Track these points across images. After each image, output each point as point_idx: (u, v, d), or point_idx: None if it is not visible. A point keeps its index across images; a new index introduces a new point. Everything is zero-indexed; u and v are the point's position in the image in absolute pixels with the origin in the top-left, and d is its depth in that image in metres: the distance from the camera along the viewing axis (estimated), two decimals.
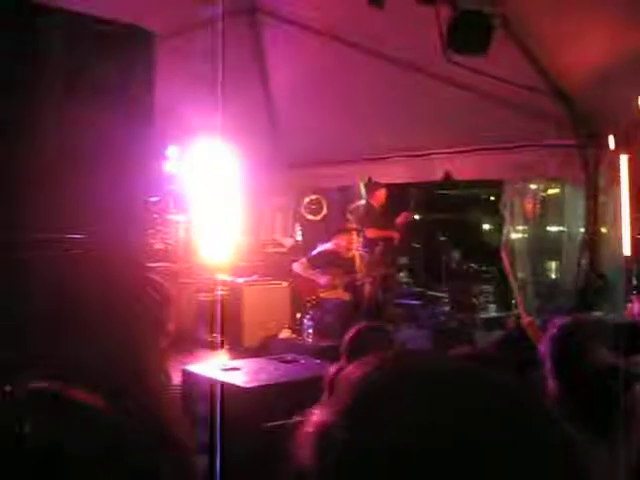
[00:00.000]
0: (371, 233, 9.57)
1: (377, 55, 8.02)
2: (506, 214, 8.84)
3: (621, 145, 7.31)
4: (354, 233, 8.98)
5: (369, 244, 9.47)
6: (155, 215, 9.96)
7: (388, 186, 10.44)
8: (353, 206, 10.45)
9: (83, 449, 1.10)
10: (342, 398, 0.69)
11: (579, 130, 7.84)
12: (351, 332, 3.69)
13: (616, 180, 7.63)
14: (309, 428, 0.70)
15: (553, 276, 9.20)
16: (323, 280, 8.76)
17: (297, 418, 2.93)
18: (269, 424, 3.15)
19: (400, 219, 9.66)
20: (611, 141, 7.29)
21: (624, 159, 7.33)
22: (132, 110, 3.03)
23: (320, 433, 0.68)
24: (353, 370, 0.72)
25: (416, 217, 10.11)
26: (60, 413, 1.14)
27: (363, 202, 10.53)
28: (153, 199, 9.79)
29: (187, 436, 3.84)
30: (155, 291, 3.69)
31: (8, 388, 1.17)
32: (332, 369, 3.48)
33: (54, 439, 1.08)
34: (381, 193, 9.89)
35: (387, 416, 0.65)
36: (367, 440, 0.64)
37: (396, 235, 9.49)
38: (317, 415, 0.71)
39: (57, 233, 2.88)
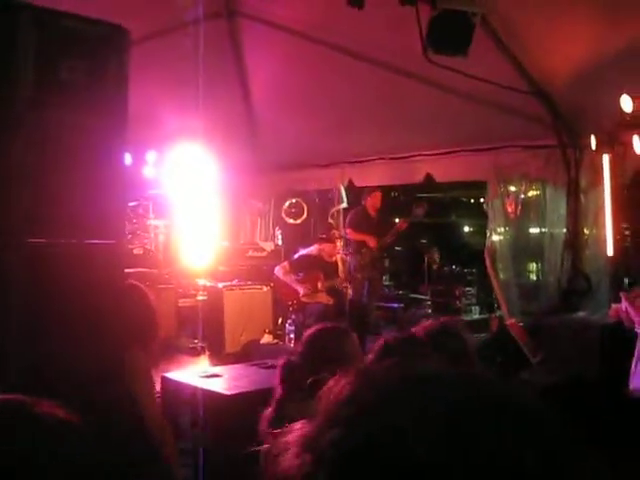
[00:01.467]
0: (351, 235, 9.52)
1: (357, 57, 7.96)
2: (489, 215, 8.82)
3: (603, 145, 7.29)
4: (337, 240, 8.92)
5: (353, 247, 9.42)
6: (134, 220, 9.87)
7: (365, 189, 10.42)
8: (334, 210, 10.39)
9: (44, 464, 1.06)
10: (329, 408, 0.69)
11: (561, 131, 7.83)
12: (309, 332, 3.74)
13: (598, 180, 7.62)
14: (293, 439, 0.69)
15: (535, 277, 9.18)
16: (302, 289, 8.71)
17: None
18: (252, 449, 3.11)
19: (399, 225, 9.56)
20: (593, 141, 7.28)
21: (606, 159, 7.31)
22: (104, 109, 2.95)
23: (307, 443, 0.67)
24: (336, 381, 0.72)
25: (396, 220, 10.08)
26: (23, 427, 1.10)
27: (344, 205, 10.47)
28: (132, 204, 9.70)
29: (170, 444, 3.78)
30: (137, 296, 3.61)
31: None
32: (281, 361, 3.53)
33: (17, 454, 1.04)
34: (375, 197, 9.81)
35: (376, 422, 0.64)
36: (358, 446, 0.63)
37: (372, 241, 9.39)
38: (301, 427, 0.70)
39: (31, 237, 2.80)
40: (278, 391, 3.44)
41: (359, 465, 0.61)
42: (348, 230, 9.61)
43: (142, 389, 3.37)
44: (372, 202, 9.80)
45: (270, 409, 3.38)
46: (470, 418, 0.63)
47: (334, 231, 9.10)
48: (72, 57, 2.94)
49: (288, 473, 0.65)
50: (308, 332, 3.73)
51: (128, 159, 9.14)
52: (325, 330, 3.75)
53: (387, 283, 12.95)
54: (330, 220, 10.32)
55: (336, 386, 0.70)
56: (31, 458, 1.06)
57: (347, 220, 9.91)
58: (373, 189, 9.97)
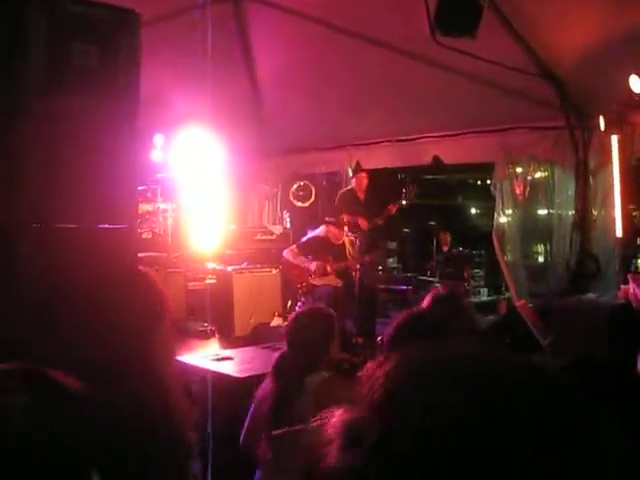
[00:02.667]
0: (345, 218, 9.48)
1: (364, 39, 7.93)
2: (497, 197, 8.81)
3: (611, 126, 7.27)
4: (345, 225, 8.90)
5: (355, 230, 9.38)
6: (139, 206, 9.88)
7: (377, 172, 10.37)
8: (340, 192, 10.36)
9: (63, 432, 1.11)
10: (370, 395, 0.67)
11: (569, 112, 7.80)
12: (291, 316, 3.81)
13: (606, 161, 7.60)
14: (333, 428, 0.67)
15: (543, 259, 9.18)
16: (313, 266, 8.69)
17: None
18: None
19: (390, 208, 9.50)
20: (601, 122, 7.25)
21: (615, 140, 7.29)
22: (116, 94, 2.96)
23: (350, 430, 0.65)
24: (375, 367, 0.70)
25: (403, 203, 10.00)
26: (43, 393, 1.14)
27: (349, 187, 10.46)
28: (140, 188, 9.70)
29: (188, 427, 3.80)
30: (146, 281, 3.62)
31: None
32: (275, 354, 3.66)
33: (37, 420, 1.09)
34: (361, 178, 9.77)
35: (421, 408, 0.63)
36: (403, 433, 0.62)
37: (363, 223, 9.35)
38: (342, 414, 0.69)
39: (43, 222, 2.81)
40: (274, 385, 3.49)
41: (415, 455, 0.60)
42: (344, 216, 9.57)
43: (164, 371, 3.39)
44: (358, 183, 9.75)
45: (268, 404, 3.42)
46: (521, 397, 0.63)
47: (342, 216, 9.06)
48: (83, 42, 2.95)
49: (335, 467, 0.63)
50: (289, 321, 3.80)
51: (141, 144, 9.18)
52: (303, 315, 3.82)
53: (395, 265, 12.96)
54: (337, 203, 10.27)
55: (377, 372, 0.69)
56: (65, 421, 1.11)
57: (336, 203, 9.90)
58: (359, 170, 9.92)
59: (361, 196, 9.70)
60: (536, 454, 0.59)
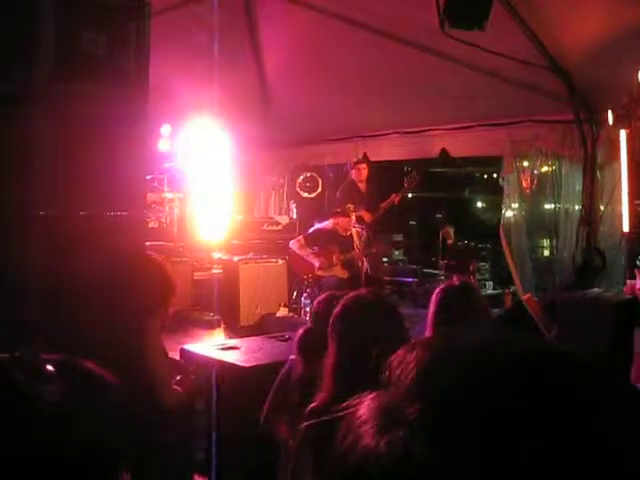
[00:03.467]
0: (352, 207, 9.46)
1: (373, 30, 7.92)
2: (505, 190, 8.80)
3: (620, 121, 7.25)
4: (353, 215, 8.89)
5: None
6: (147, 194, 9.89)
7: (383, 164, 10.36)
8: (342, 186, 10.31)
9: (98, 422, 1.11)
10: (403, 379, 0.66)
11: (578, 106, 7.78)
12: (319, 299, 3.80)
13: (614, 156, 7.58)
14: (365, 412, 0.66)
15: (549, 253, 9.17)
16: (317, 262, 8.70)
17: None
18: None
19: (391, 199, 9.45)
20: (610, 117, 7.23)
21: (623, 135, 7.27)
22: (125, 81, 2.96)
23: (385, 412, 0.65)
24: (405, 352, 0.70)
25: (409, 195, 9.91)
26: (79, 382, 1.15)
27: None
28: (147, 177, 9.71)
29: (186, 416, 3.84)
30: (156, 269, 3.64)
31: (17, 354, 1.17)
32: (300, 330, 3.62)
33: (74, 408, 1.09)
34: (360, 169, 9.73)
35: (458, 391, 0.62)
36: (440, 417, 0.61)
37: (366, 215, 9.31)
38: (372, 399, 0.68)
39: (53, 209, 2.83)
40: (299, 367, 3.49)
41: (442, 440, 0.60)
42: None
43: (155, 356, 3.42)
44: (357, 174, 9.70)
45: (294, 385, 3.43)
46: (555, 381, 0.63)
47: (349, 205, 9.04)
48: (93, 29, 2.96)
49: (371, 450, 0.62)
50: (318, 300, 3.80)
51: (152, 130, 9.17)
52: (336, 297, 3.82)
53: (400, 258, 12.96)
54: (338, 195, 10.20)
55: (408, 357, 0.69)
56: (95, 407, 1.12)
57: (337, 196, 9.89)
58: (358, 162, 9.88)
59: (362, 187, 9.66)
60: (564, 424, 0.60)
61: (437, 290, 3.42)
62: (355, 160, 10.10)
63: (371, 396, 0.68)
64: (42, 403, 1.06)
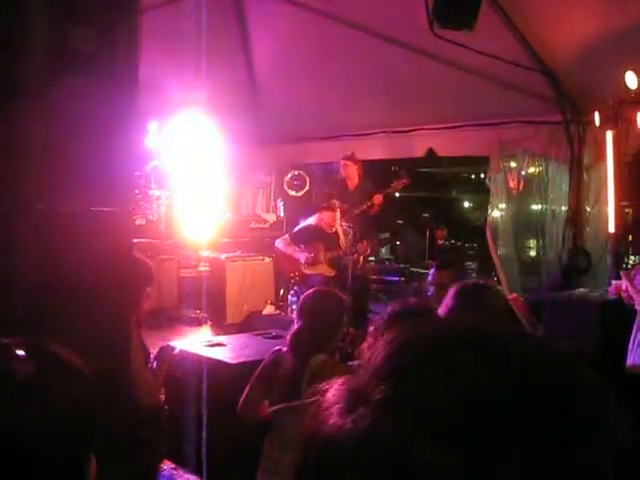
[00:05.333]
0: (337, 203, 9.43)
1: (361, 29, 7.93)
2: (491, 191, 8.83)
3: (607, 122, 7.29)
4: (337, 210, 8.86)
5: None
6: (136, 190, 9.86)
7: (371, 163, 10.34)
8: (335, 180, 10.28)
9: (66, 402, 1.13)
10: (371, 361, 0.68)
11: (565, 107, 7.81)
12: (306, 295, 3.81)
13: (601, 157, 7.62)
14: (333, 396, 0.68)
15: (536, 253, 9.21)
16: (303, 257, 8.68)
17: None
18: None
19: (375, 199, 9.38)
20: (597, 118, 7.27)
21: (609, 136, 7.31)
22: (115, 77, 2.96)
23: (352, 394, 0.66)
24: (374, 340, 0.71)
25: (397, 195, 9.86)
26: (48, 364, 1.16)
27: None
28: (135, 174, 9.68)
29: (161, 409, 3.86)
30: (141, 264, 3.65)
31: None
32: (295, 326, 3.66)
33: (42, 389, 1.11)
34: (344, 165, 9.65)
35: (433, 377, 0.63)
36: (404, 394, 0.62)
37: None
38: (341, 383, 0.69)
39: (40, 204, 2.82)
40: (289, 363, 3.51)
41: (417, 426, 0.60)
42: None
43: (135, 355, 3.44)
44: (343, 171, 9.57)
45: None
46: (523, 359, 0.65)
47: (334, 200, 9.01)
48: (83, 25, 2.94)
49: (337, 428, 0.63)
50: (304, 298, 3.83)
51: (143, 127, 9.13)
52: (319, 294, 3.85)
53: (387, 256, 12.99)
54: (328, 190, 10.16)
55: (378, 343, 0.70)
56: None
57: (327, 190, 9.88)
58: (344, 157, 9.76)
59: (350, 185, 9.59)
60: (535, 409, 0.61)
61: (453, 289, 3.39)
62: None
63: (340, 381, 0.69)
64: (13, 381, 1.08)
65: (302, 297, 3.93)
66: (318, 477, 0.65)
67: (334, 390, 0.68)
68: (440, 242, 12.56)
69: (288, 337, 3.65)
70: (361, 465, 0.60)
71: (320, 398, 0.69)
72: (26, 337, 1.21)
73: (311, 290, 3.93)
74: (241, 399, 3.61)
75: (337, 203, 8.95)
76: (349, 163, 9.57)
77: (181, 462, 4.61)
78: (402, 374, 0.64)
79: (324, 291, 3.98)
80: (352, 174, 9.53)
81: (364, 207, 9.22)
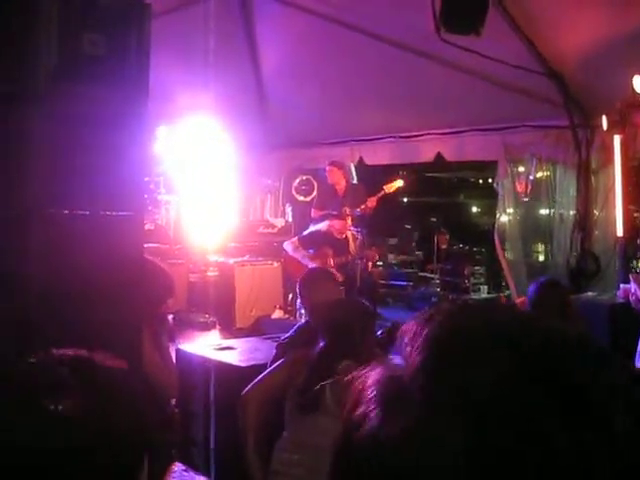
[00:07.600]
0: (314, 214, 9.42)
1: (368, 34, 7.96)
2: (499, 195, 8.83)
3: (614, 126, 7.29)
4: (348, 218, 8.87)
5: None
6: (145, 195, 9.89)
7: (378, 168, 10.35)
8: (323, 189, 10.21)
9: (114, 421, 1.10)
10: (414, 357, 0.65)
11: (572, 111, 7.81)
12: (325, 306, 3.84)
13: (608, 161, 7.63)
14: (376, 388, 0.65)
15: (544, 258, 9.21)
16: (312, 264, 8.68)
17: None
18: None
19: (368, 202, 9.33)
20: (604, 122, 7.28)
21: (617, 140, 7.31)
22: (126, 82, 2.99)
23: (395, 393, 0.64)
24: (419, 325, 0.68)
25: (405, 200, 9.85)
26: (92, 382, 1.13)
27: (354, 183, 10.40)
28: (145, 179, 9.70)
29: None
30: (159, 270, 3.67)
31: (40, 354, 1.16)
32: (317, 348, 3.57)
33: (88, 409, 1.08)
34: (329, 171, 9.60)
35: (471, 367, 0.61)
36: (453, 394, 0.60)
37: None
38: (378, 373, 0.67)
39: (52, 208, 2.84)
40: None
41: (453, 418, 0.59)
42: (312, 210, 9.56)
43: (152, 358, 3.46)
44: (330, 177, 9.58)
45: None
46: (565, 360, 0.63)
47: (345, 208, 9.02)
48: (94, 30, 2.97)
49: (378, 427, 0.62)
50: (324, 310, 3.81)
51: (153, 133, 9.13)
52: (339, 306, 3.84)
53: (395, 261, 12.99)
54: (316, 200, 10.12)
55: (421, 332, 0.67)
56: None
57: (314, 201, 9.87)
58: (329, 163, 9.70)
59: (339, 190, 9.54)
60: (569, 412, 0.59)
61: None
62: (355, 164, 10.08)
63: (380, 369, 0.67)
64: (63, 420, 1.05)
65: (321, 308, 3.87)
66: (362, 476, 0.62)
67: (376, 381, 0.66)
68: (443, 247, 12.56)
69: (315, 356, 3.57)
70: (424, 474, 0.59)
71: (360, 383, 0.67)
72: (70, 350, 1.17)
73: (331, 301, 3.89)
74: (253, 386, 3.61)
75: (348, 210, 8.95)
76: (334, 169, 9.53)
77: (191, 464, 4.63)
78: (446, 382, 0.62)
79: (344, 302, 3.94)
80: (338, 179, 9.49)
81: (358, 210, 9.18)
